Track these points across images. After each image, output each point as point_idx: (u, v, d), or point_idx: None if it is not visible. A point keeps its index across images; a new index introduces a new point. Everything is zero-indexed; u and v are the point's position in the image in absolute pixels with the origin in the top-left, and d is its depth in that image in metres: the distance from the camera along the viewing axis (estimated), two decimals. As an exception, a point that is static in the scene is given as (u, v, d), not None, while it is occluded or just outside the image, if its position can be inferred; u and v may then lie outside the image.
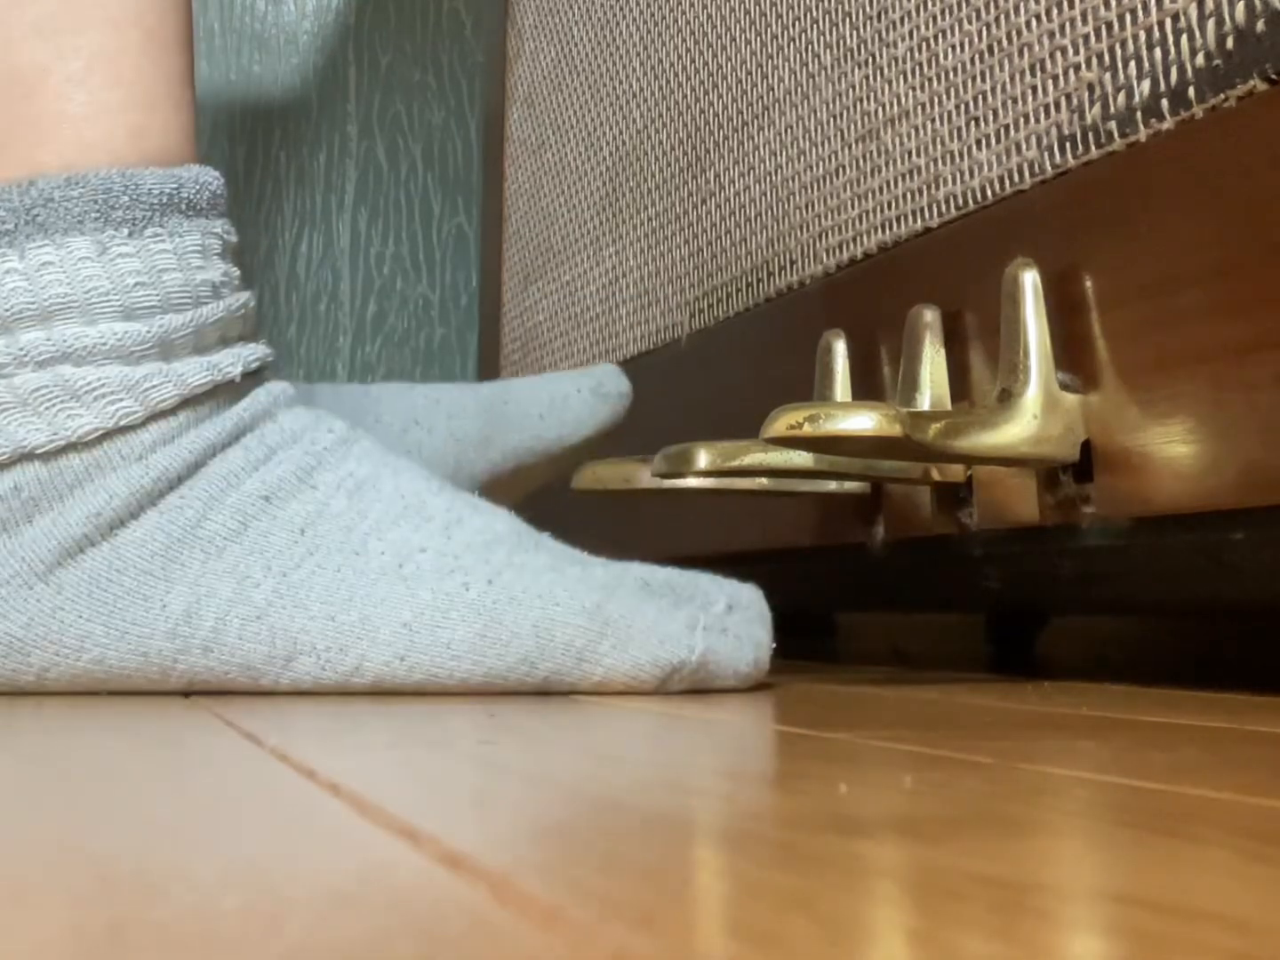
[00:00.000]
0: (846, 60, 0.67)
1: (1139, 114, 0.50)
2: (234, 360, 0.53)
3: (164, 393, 0.51)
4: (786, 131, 0.72)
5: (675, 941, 0.16)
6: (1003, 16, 0.57)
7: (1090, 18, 0.53)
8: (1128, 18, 0.51)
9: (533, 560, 0.52)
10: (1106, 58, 0.52)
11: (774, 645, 0.54)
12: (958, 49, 0.60)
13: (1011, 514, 0.55)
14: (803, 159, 0.70)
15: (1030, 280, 0.53)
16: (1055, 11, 0.54)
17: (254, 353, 0.54)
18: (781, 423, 0.49)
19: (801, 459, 0.56)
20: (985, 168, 0.58)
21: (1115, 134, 0.51)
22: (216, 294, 0.53)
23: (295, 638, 0.50)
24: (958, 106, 0.60)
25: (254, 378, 0.54)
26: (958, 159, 0.60)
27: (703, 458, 0.56)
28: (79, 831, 0.25)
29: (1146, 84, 0.50)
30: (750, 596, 0.54)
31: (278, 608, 0.51)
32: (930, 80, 0.61)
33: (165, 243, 0.52)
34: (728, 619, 0.52)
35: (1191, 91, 0.48)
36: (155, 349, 0.51)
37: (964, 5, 0.59)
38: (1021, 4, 0.56)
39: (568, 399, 0.75)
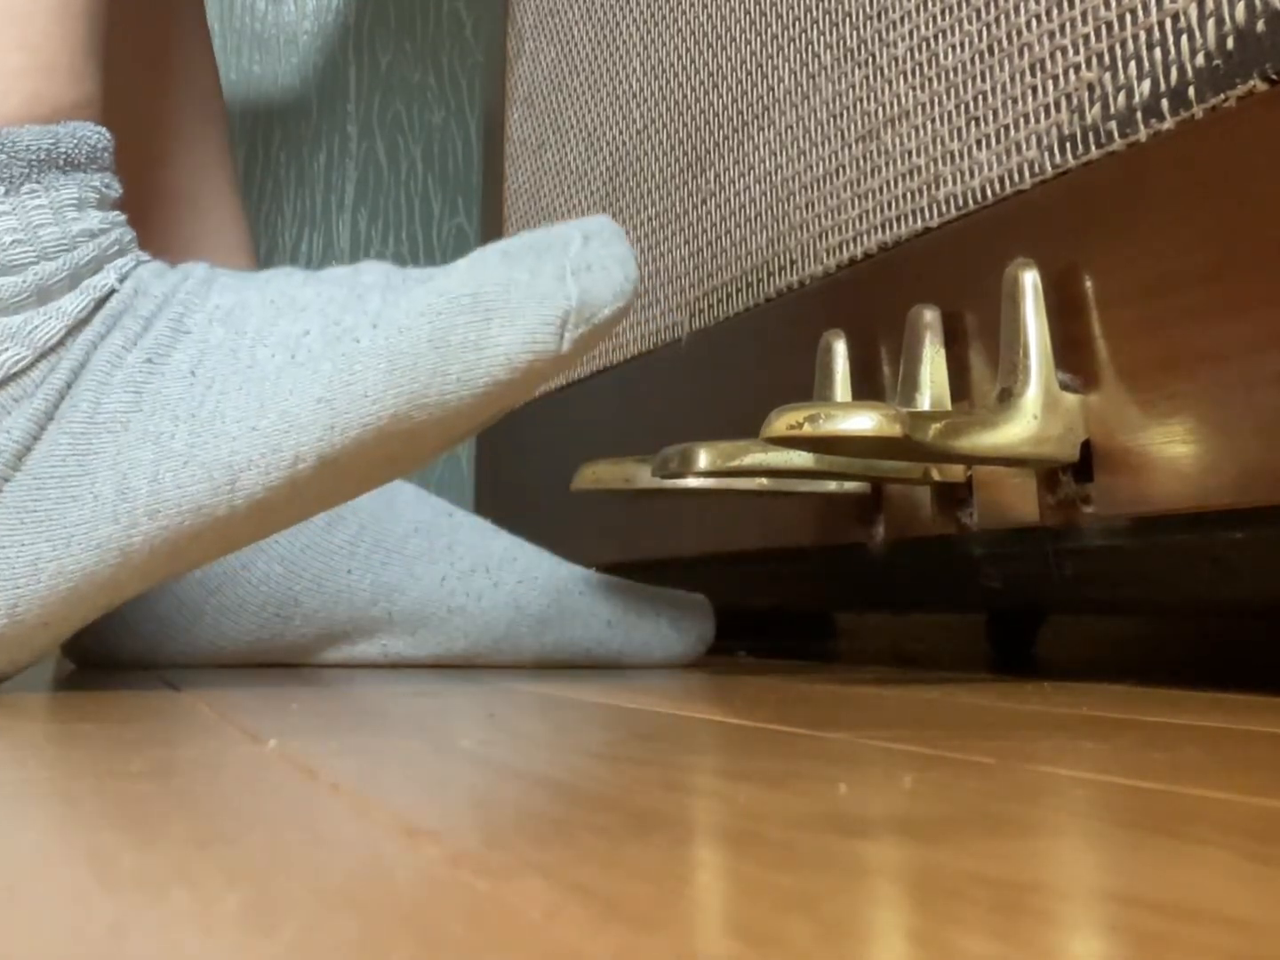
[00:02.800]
0: (846, 60, 0.67)
1: (1139, 114, 0.50)
2: (108, 274, 0.54)
3: (49, 329, 0.53)
4: (786, 131, 0.72)
5: (675, 941, 0.16)
6: (1003, 16, 0.57)
7: (1090, 18, 0.53)
8: (1128, 18, 0.51)
9: (403, 289, 0.53)
10: (1106, 58, 0.52)
11: (636, 255, 0.55)
12: (958, 49, 0.60)
13: (1011, 514, 0.55)
14: (803, 159, 0.70)
15: (1030, 280, 0.53)
16: (1055, 11, 0.54)
17: (129, 262, 0.55)
18: (781, 423, 0.49)
19: (801, 459, 0.56)
20: (985, 168, 0.58)
21: (1115, 134, 0.51)
22: (93, 238, 0.54)
23: (228, 461, 0.51)
24: (958, 106, 0.60)
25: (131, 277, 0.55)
26: (958, 159, 0.60)
27: (703, 458, 0.56)
28: (79, 831, 0.25)
29: (1146, 84, 0.50)
30: (599, 221, 0.55)
31: (200, 446, 0.51)
32: (930, 80, 0.61)
33: (41, 198, 0.53)
34: (587, 253, 0.53)
35: (1191, 91, 0.48)
36: (33, 297, 0.53)
37: (964, 5, 0.59)
38: (1021, 4, 0.56)
39: (642, 619, 0.73)
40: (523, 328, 0.52)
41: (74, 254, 0.53)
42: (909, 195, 0.62)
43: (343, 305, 0.53)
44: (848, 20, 0.67)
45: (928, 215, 0.61)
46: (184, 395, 0.52)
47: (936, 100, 0.61)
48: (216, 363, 0.52)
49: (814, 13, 0.70)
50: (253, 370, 0.52)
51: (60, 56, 0.54)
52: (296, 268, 0.56)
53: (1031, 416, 0.51)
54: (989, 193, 0.58)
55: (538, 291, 0.52)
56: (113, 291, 0.54)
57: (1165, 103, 0.49)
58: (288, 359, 0.52)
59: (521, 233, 0.55)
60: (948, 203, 0.60)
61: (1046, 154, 0.55)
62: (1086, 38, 0.53)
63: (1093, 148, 0.52)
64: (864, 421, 0.48)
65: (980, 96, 0.58)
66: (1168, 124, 0.49)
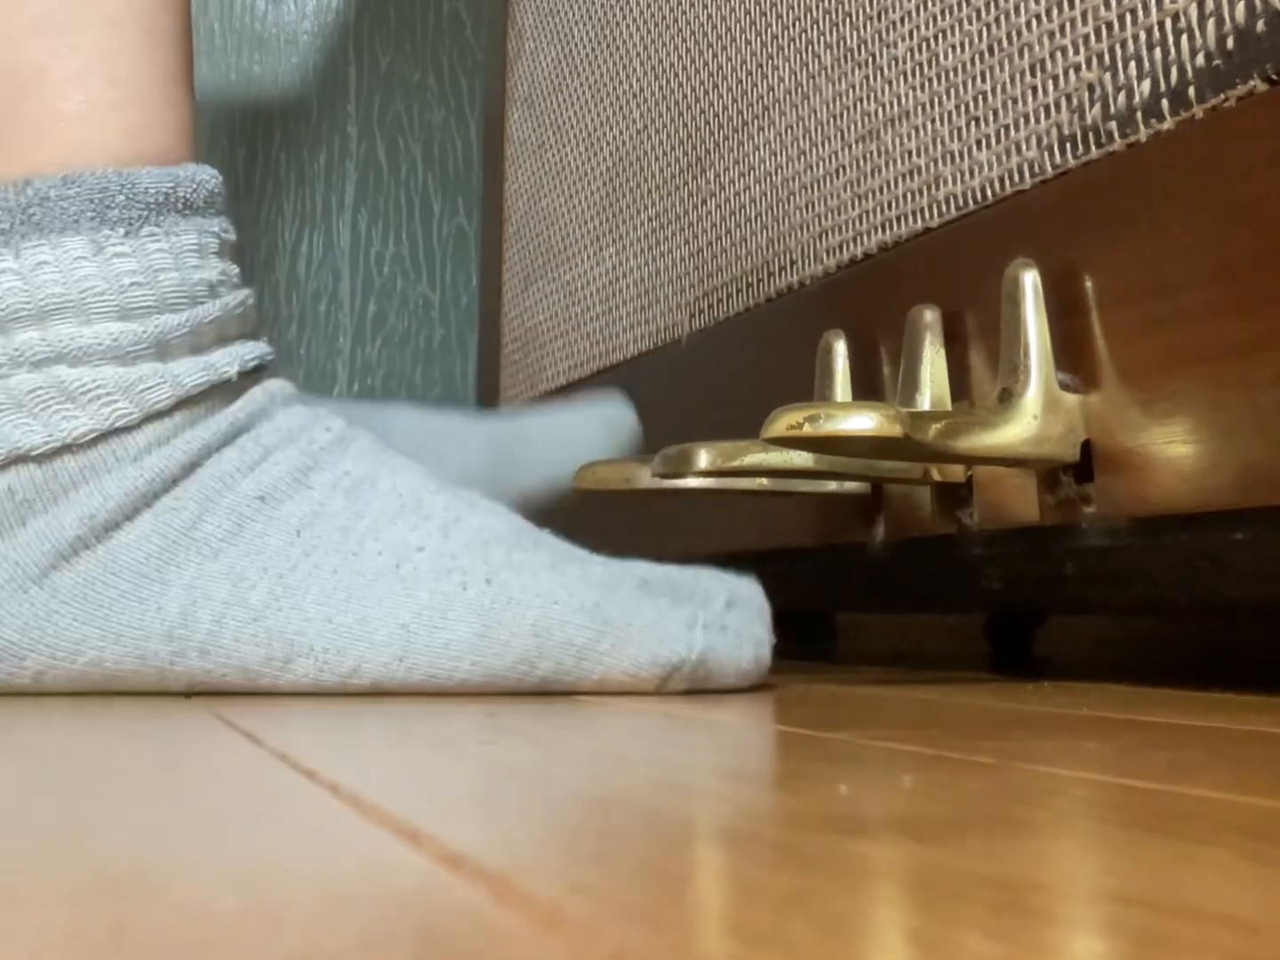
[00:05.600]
0: (846, 60, 0.67)
1: (1139, 114, 0.50)
2: (231, 359, 0.53)
3: (159, 394, 0.51)
4: (786, 131, 0.72)
5: (675, 941, 0.16)
6: (1003, 16, 0.57)
7: (1090, 18, 0.53)
8: (1128, 18, 0.51)
9: (532, 559, 0.52)
10: (1106, 58, 0.52)
11: (774, 641, 0.54)
12: (958, 49, 0.60)
13: (1011, 514, 0.55)
14: (803, 159, 0.70)
15: (1030, 280, 0.53)
16: (1055, 11, 0.54)
17: (252, 352, 0.54)
18: (781, 423, 0.49)
19: (801, 459, 0.56)
20: (985, 168, 0.58)
21: (1115, 134, 0.51)
22: (214, 293, 0.53)
23: (292, 640, 0.50)
24: (958, 106, 0.60)
25: (252, 377, 0.54)
26: (958, 159, 0.60)
27: (703, 458, 0.56)
28: (79, 831, 0.25)
29: (1146, 84, 0.50)
30: (750, 591, 0.54)
31: (274, 610, 0.50)
32: (930, 80, 0.61)
33: (161, 242, 0.52)
34: (727, 616, 0.52)
35: (1191, 91, 0.48)
36: (151, 349, 0.51)
37: (964, 5, 0.59)
38: (1021, 4, 0.56)
39: (576, 437, 0.75)
40: (630, 657, 0.51)
41: (196, 311, 0.52)
42: (909, 195, 0.62)
43: (465, 541, 0.52)
44: (848, 20, 0.67)
45: (928, 215, 0.61)
46: (281, 551, 0.51)
47: (936, 100, 0.61)
48: (325, 534, 0.51)
49: (814, 13, 0.70)
50: (355, 560, 0.51)
51: (154, 85, 0.53)
52: (432, 472, 0.54)
53: (1031, 416, 0.51)
54: (989, 193, 0.58)
55: (662, 629, 0.51)
56: (229, 381, 0.52)
57: (1165, 103, 0.49)
58: (392, 566, 0.51)
59: (667, 567, 0.53)
60: (948, 203, 0.60)
61: (1046, 154, 0.55)
62: (1086, 38, 0.53)
63: (1093, 148, 0.52)
64: (864, 421, 0.48)
65: (980, 96, 0.58)
66: (1168, 124, 0.49)
